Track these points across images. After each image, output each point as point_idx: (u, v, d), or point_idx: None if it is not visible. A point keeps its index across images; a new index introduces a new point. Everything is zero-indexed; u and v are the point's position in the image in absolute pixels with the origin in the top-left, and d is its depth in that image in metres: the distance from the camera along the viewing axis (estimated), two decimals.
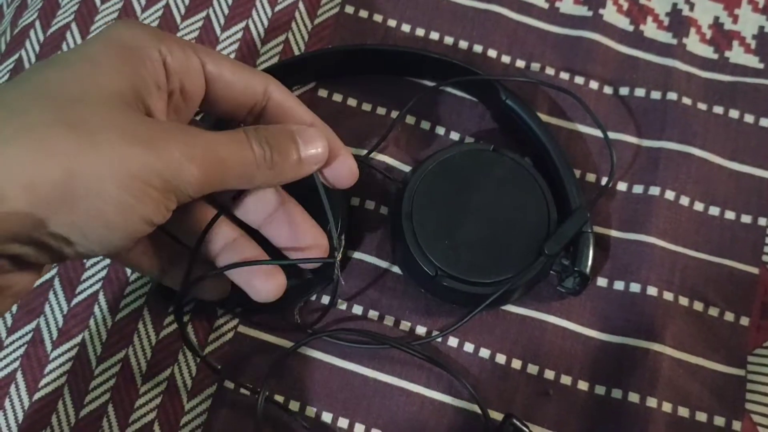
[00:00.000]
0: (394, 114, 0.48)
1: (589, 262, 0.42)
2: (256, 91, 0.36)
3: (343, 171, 0.38)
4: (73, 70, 0.30)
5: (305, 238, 0.38)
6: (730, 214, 0.46)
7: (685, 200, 0.46)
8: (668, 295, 0.44)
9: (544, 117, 0.47)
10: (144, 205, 0.29)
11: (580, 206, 0.42)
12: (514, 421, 0.40)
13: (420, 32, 0.50)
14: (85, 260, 0.44)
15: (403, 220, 0.42)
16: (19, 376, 0.42)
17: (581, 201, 0.43)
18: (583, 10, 0.51)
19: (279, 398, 0.42)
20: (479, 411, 0.42)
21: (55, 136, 0.28)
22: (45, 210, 0.28)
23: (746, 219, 0.46)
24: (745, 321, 0.44)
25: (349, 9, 0.50)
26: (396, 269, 0.45)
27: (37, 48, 0.49)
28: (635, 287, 0.44)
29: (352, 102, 0.48)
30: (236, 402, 0.42)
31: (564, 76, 0.49)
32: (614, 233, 0.46)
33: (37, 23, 0.50)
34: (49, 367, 0.42)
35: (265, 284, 0.37)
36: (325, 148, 0.36)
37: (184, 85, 0.34)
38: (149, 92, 0.32)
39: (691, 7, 0.51)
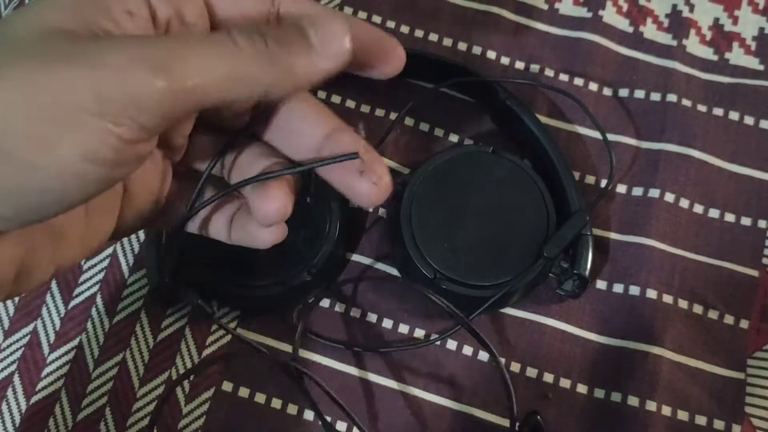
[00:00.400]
0: (393, 116, 0.48)
1: (589, 265, 0.42)
2: (265, 1, 0.29)
3: (389, 57, 0.30)
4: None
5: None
6: (730, 217, 0.46)
7: (684, 202, 0.46)
8: (668, 298, 0.44)
9: (543, 118, 0.47)
10: (76, 136, 0.22)
11: (579, 209, 0.42)
12: (539, 418, 0.40)
13: (419, 33, 0.50)
14: (82, 262, 0.44)
15: (402, 222, 0.42)
16: (16, 379, 0.42)
17: (580, 204, 0.42)
18: (582, 12, 0.50)
19: (277, 402, 0.42)
20: (478, 414, 0.42)
21: None
22: None
23: (746, 221, 0.46)
24: (744, 324, 0.44)
25: (348, 10, 0.50)
26: (395, 271, 0.44)
27: None
28: (635, 290, 0.44)
29: (350, 104, 0.48)
30: (234, 405, 0.42)
31: (563, 77, 0.49)
32: (614, 236, 0.45)
33: None
34: (47, 370, 0.42)
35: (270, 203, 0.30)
36: (347, 34, 0.26)
37: (182, 11, 0.27)
38: (110, 19, 0.25)
39: (691, 8, 0.51)
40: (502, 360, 0.42)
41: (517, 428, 0.40)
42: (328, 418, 0.41)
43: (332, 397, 0.39)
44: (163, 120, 0.24)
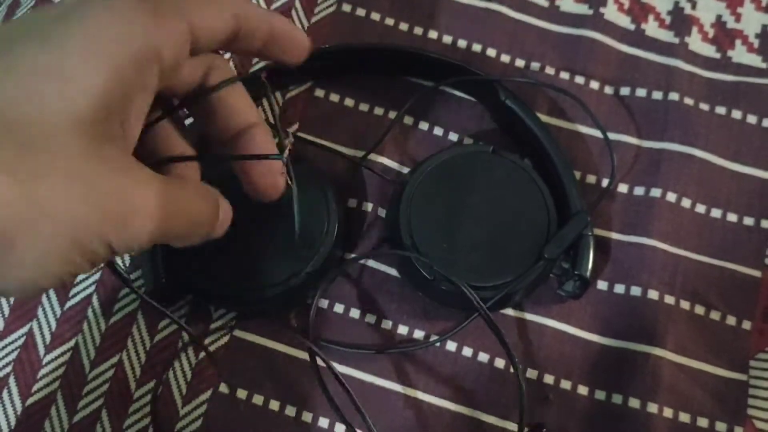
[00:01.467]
0: (392, 114, 0.47)
1: (590, 266, 0.41)
2: (200, 69, 0.32)
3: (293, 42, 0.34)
4: (21, 84, 0.24)
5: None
6: (732, 217, 0.46)
7: (686, 202, 0.45)
8: (669, 299, 0.43)
9: (543, 117, 0.47)
10: (64, 265, 0.25)
11: (580, 210, 0.42)
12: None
13: (418, 31, 0.49)
14: None
15: (401, 223, 0.41)
16: (11, 381, 0.41)
17: (582, 204, 0.42)
18: (583, 9, 0.50)
19: (275, 403, 0.41)
20: (477, 416, 0.41)
21: None
22: None
23: (749, 221, 0.46)
24: (747, 325, 0.44)
25: (347, 7, 0.49)
26: (393, 272, 0.44)
27: None
28: (636, 291, 0.43)
29: (349, 102, 0.47)
30: (232, 407, 0.41)
31: (564, 75, 0.48)
32: (615, 236, 0.45)
33: None
34: (42, 371, 0.42)
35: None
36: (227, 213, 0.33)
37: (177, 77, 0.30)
38: (130, 102, 0.26)
39: (693, 5, 0.50)
40: (519, 369, 0.41)
41: None
42: (327, 420, 0.41)
43: (343, 384, 0.39)
44: (128, 252, 0.29)
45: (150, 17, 0.26)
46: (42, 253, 0.24)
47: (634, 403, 0.41)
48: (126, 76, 0.25)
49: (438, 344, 0.43)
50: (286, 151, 0.33)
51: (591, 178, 0.46)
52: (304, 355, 0.42)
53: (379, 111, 0.47)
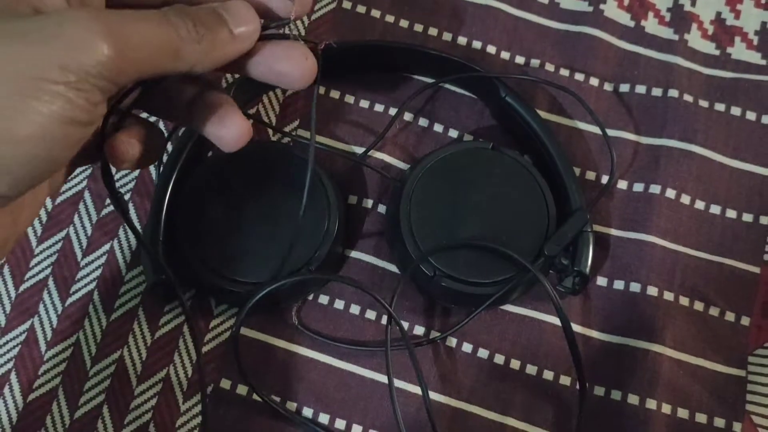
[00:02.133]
0: (392, 111, 0.47)
1: (589, 262, 0.41)
2: None
3: (295, 54, 0.32)
4: None
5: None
6: (731, 213, 0.46)
7: (686, 199, 0.46)
8: (668, 295, 0.43)
9: (543, 114, 0.47)
10: (53, 105, 0.25)
11: (580, 207, 0.42)
12: None
13: (418, 28, 0.49)
14: (79, 259, 0.44)
15: (401, 220, 0.41)
16: (13, 377, 0.41)
17: (581, 202, 0.42)
18: (583, 6, 0.50)
19: (275, 399, 0.41)
20: (476, 411, 0.41)
21: None
22: None
23: (747, 218, 0.46)
24: (745, 321, 0.44)
25: (347, 4, 0.49)
26: (394, 268, 0.44)
27: None
28: (635, 287, 0.44)
29: (349, 99, 0.47)
30: (232, 402, 0.41)
31: (564, 72, 0.48)
32: (614, 232, 0.45)
33: None
34: (44, 367, 0.42)
35: (227, 131, 0.32)
36: (254, 18, 0.31)
37: None
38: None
39: (693, 2, 0.50)
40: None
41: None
42: (327, 416, 0.41)
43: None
44: (113, 85, 0.27)
45: None
46: (47, 106, 0.25)
47: (633, 399, 0.41)
48: None
49: (438, 340, 0.43)
50: (292, 15, 0.32)
51: (590, 175, 0.46)
52: (304, 351, 0.42)
53: (379, 108, 0.47)
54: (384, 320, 0.43)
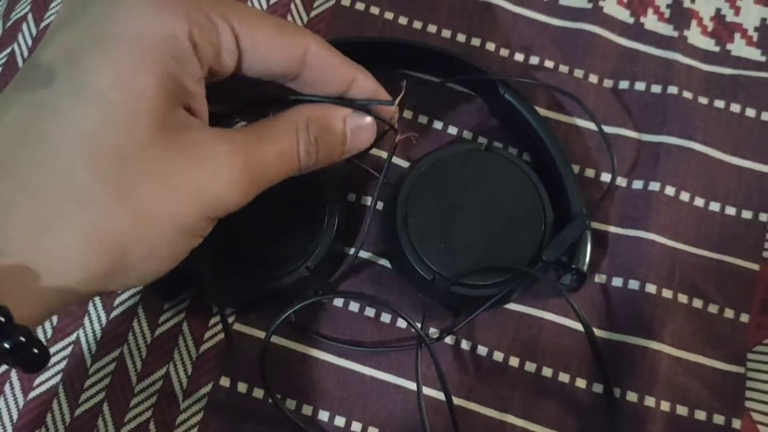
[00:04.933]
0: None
1: (587, 260, 0.41)
2: (294, 54, 0.33)
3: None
4: (99, 103, 0.27)
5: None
6: (730, 210, 0.46)
7: (685, 196, 0.46)
8: (667, 293, 0.43)
9: (542, 111, 0.47)
10: (191, 244, 0.30)
11: (580, 213, 0.42)
12: None
13: (417, 24, 0.49)
14: None
15: (398, 224, 0.41)
16: (13, 374, 0.42)
17: (582, 206, 0.42)
18: (582, 2, 0.50)
19: (283, 402, 0.41)
20: (475, 409, 0.42)
21: (107, 215, 0.27)
22: (99, 282, 0.28)
23: (747, 215, 0.46)
24: (745, 318, 0.44)
25: (346, 1, 0.49)
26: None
27: (30, 42, 0.48)
28: (634, 284, 0.44)
29: None
30: (232, 401, 0.41)
31: (563, 69, 0.48)
32: (613, 229, 0.45)
33: (30, 16, 0.49)
34: None
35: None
36: (371, 137, 0.36)
37: (214, 67, 0.31)
38: (187, 95, 0.30)
39: None
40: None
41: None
42: (326, 414, 0.41)
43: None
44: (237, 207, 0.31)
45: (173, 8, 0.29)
46: (167, 254, 0.29)
47: (632, 396, 0.41)
48: (176, 72, 0.28)
49: (436, 336, 0.43)
50: (399, 98, 0.37)
51: (590, 172, 0.46)
52: (303, 349, 0.42)
53: None
54: (383, 318, 0.43)
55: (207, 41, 0.29)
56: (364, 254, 0.44)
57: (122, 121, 0.27)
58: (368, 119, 0.35)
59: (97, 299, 0.43)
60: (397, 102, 0.36)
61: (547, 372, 0.43)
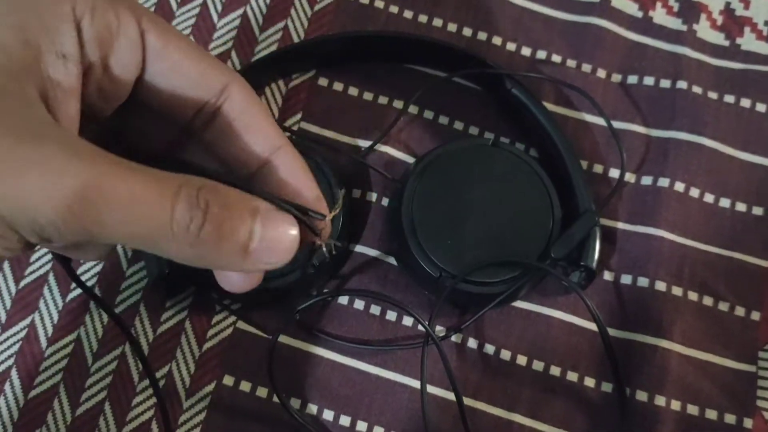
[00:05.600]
0: (397, 103, 0.46)
1: (596, 257, 0.41)
2: (212, 86, 0.27)
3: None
4: None
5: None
6: (741, 206, 0.45)
7: (695, 192, 0.45)
8: (677, 290, 0.43)
9: (550, 106, 0.46)
10: None
11: (589, 209, 0.41)
12: None
13: (423, 18, 0.48)
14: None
15: (404, 221, 0.40)
16: (13, 373, 0.41)
17: (590, 202, 0.41)
18: None
19: (287, 402, 0.41)
20: (483, 408, 0.41)
21: None
22: None
23: (758, 211, 0.45)
24: (756, 315, 0.43)
25: None
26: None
27: None
28: (643, 281, 0.43)
29: (353, 91, 0.47)
30: (235, 400, 0.41)
31: (571, 63, 0.48)
32: (622, 226, 0.45)
33: None
34: (44, 364, 0.41)
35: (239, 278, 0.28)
36: (294, 244, 0.25)
37: (109, 58, 0.25)
38: (41, 66, 0.23)
39: None
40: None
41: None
42: (331, 413, 0.41)
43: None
44: (47, 242, 0.22)
45: None
46: None
47: (642, 395, 0.41)
48: (31, 33, 0.23)
49: (442, 335, 0.42)
50: (337, 209, 0.28)
51: (598, 168, 0.46)
52: (308, 347, 0.42)
53: (383, 100, 0.47)
54: (389, 316, 0.43)
55: (99, 20, 0.24)
56: (369, 251, 0.44)
57: None
58: (291, 229, 0.25)
59: (98, 293, 0.42)
60: (330, 217, 0.27)
61: (555, 371, 0.42)
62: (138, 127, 0.26)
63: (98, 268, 0.43)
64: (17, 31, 0.22)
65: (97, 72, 0.25)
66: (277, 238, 0.24)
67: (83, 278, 0.43)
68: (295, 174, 0.28)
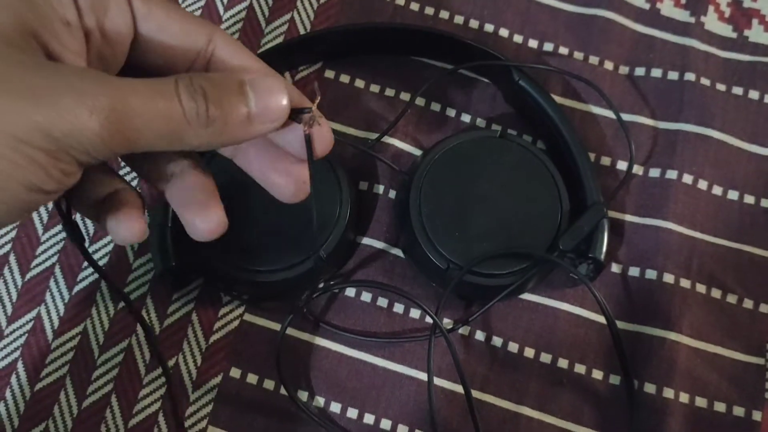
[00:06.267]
0: (403, 96, 0.46)
1: (604, 249, 0.41)
2: (197, 40, 0.29)
3: (315, 136, 0.30)
4: None
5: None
6: (749, 198, 0.45)
7: (703, 184, 0.45)
8: (685, 282, 0.43)
9: (557, 99, 0.46)
10: (25, 171, 0.24)
11: (597, 201, 0.41)
12: None
13: (429, 11, 0.48)
14: (87, 245, 0.43)
15: (412, 212, 0.40)
16: (20, 365, 0.41)
17: (598, 194, 0.41)
18: None
19: (295, 394, 0.41)
20: (490, 401, 0.41)
21: None
22: None
23: (766, 203, 0.45)
24: (764, 308, 0.43)
25: None
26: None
27: None
28: (651, 274, 0.43)
29: (359, 83, 0.47)
30: (242, 392, 0.41)
31: (578, 56, 0.48)
32: (630, 218, 0.44)
33: None
34: (51, 356, 0.41)
35: (203, 221, 0.30)
36: (285, 103, 0.28)
37: (104, 23, 0.27)
38: (50, 29, 0.26)
39: None
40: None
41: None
42: (339, 405, 0.41)
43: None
44: (95, 160, 0.25)
45: None
46: (18, 172, 0.23)
47: (650, 388, 0.41)
48: (38, 2, 0.25)
49: (450, 327, 0.42)
50: (316, 103, 0.29)
51: (605, 160, 0.45)
52: (315, 339, 0.42)
53: (390, 92, 0.46)
54: (396, 308, 0.42)
55: None
56: (376, 243, 0.43)
57: None
58: (277, 81, 0.28)
59: (105, 288, 0.42)
60: (315, 105, 0.29)
61: (562, 363, 0.42)
62: None
63: (105, 260, 0.43)
64: (27, 2, 0.25)
65: (96, 38, 0.27)
66: (270, 98, 0.27)
67: (90, 270, 0.42)
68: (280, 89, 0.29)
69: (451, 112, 0.46)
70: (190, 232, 0.31)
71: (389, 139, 0.45)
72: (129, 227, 0.30)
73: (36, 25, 0.25)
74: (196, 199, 0.30)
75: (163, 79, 0.26)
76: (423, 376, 0.41)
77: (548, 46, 0.48)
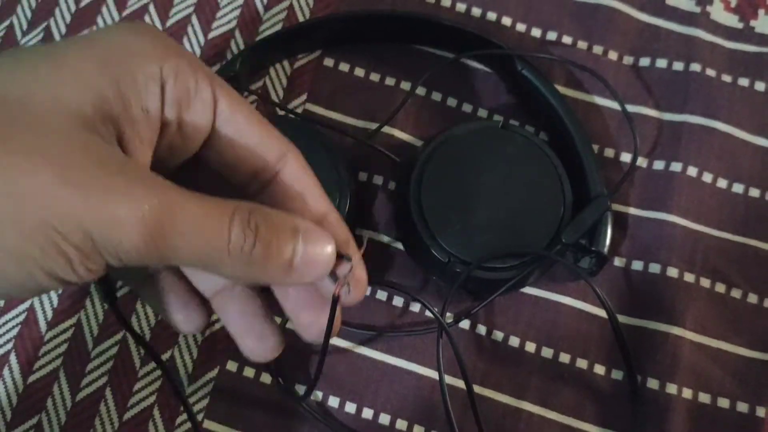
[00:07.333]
0: (404, 84, 0.46)
1: (607, 242, 0.40)
2: (270, 154, 0.29)
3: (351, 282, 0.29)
4: (24, 71, 0.24)
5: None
6: (754, 192, 0.44)
7: (708, 177, 0.44)
8: (689, 276, 0.42)
9: (560, 89, 0.45)
10: (51, 261, 0.23)
11: (600, 193, 0.40)
12: None
13: None
14: None
15: (412, 205, 0.40)
16: (12, 358, 0.40)
17: (602, 187, 0.40)
18: None
19: (292, 388, 0.40)
20: (490, 395, 0.40)
21: None
22: None
23: None
24: None
25: None
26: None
27: (29, 14, 0.46)
28: (655, 268, 0.42)
29: (359, 72, 0.46)
30: (238, 386, 0.40)
31: (582, 45, 0.47)
32: (633, 211, 0.44)
33: None
34: (44, 348, 0.40)
35: (256, 345, 0.31)
36: (330, 259, 0.27)
37: (184, 117, 0.27)
38: (128, 116, 0.25)
39: None
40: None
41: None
42: (337, 399, 0.40)
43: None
44: (124, 264, 0.24)
45: (160, 44, 0.26)
46: (13, 248, 0.22)
47: (653, 383, 0.40)
48: (124, 86, 0.25)
49: (450, 321, 0.41)
50: (361, 252, 0.29)
51: (609, 152, 0.45)
52: None
53: (390, 81, 0.46)
54: (396, 302, 0.42)
55: (182, 84, 0.27)
56: (376, 235, 0.43)
57: (37, 86, 0.24)
58: (328, 246, 0.27)
59: None
60: (358, 258, 0.29)
61: (564, 358, 0.41)
62: (197, 182, 0.27)
63: None
64: (113, 84, 0.25)
65: (171, 129, 0.27)
66: (316, 255, 0.27)
67: None
68: (336, 235, 0.28)
69: (453, 102, 0.46)
70: (242, 350, 0.31)
71: (389, 129, 0.44)
72: (189, 319, 0.31)
73: (117, 111, 0.25)
74: (248, 322, 0.31)
75: (221, 204, 0.25)
76: (422, 370, 0.41)
77: (551, 35, 0.47)
